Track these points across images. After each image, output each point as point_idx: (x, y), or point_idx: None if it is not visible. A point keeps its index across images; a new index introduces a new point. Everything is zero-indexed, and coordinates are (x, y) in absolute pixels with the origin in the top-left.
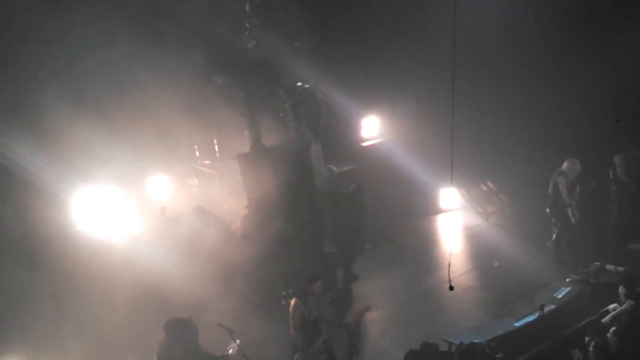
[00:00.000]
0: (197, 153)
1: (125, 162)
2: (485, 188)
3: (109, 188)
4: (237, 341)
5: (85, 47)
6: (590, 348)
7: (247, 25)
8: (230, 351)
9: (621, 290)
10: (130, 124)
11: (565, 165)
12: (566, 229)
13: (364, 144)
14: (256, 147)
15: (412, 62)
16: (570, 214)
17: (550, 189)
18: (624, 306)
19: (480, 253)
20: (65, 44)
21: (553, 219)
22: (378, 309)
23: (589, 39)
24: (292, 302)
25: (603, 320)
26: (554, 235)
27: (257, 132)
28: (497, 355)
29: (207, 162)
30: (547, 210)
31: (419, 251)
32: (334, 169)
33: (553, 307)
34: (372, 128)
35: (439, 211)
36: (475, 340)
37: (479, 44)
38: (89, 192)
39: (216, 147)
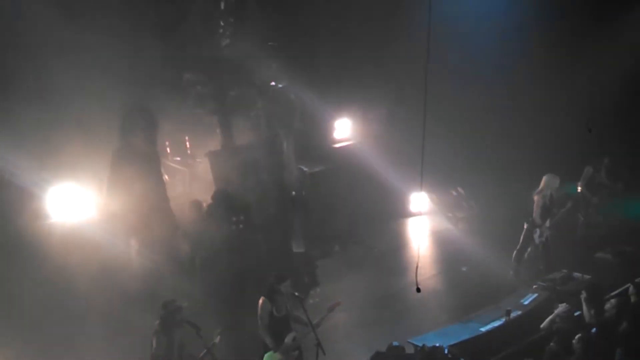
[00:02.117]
0: (167, 149)
1: (96, 156)
2: (455, 193)
3: (78, 183)
4: (203, 338)
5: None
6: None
7: (222, 24)
8: (217, 340)
9: (582, 295)
10: (99, 119)
11: (543, 180)
12: (526, 247)
13: (336, 145)
14: (227, 145)
15: (385, 65)
16: (536, 235)
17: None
18: (558, 309)
19: (449, 257)
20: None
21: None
22: (345, 310)
23: (565, 47)
24: (260, 300)
25: (542, 326)
26: (515, 251)
27: (228, 130)
28: None
29: (178, 158)
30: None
31: (388, 254)
32: (305, 169)
33: (519, 313)
34: (344, 130)
35: (408, 214)
36: (438, 344)
37: (452, 48)
38: (59, 188)
39: (187, 144)
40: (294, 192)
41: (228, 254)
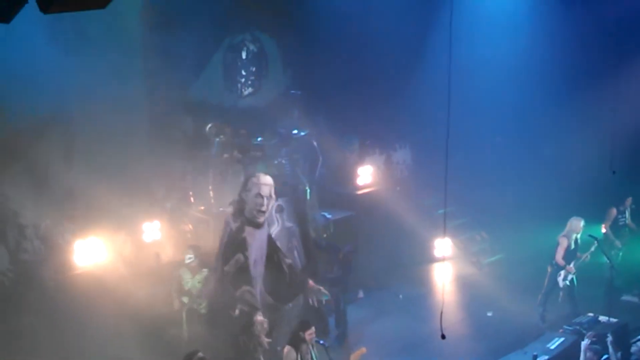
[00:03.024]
0: (191, 199)
1: (121, 208)
2: (479, 238)
3: (105, 234)
4: None
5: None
6: None
7: (244, 73)
8: None
9: (609, 338)
10: (123, 170)
11: (569, 224)
12: (551, 290)
13: (359, 192)
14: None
15: (408, 111)
16: (560, 278)
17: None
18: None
19: (474, 303)
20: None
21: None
22: (370, 357)
23: (588, 87)
24: (285, 349)
25: None
26: (540, 295)
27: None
28: None
29: (202, 207)
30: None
31: (412, 300)
32: (328, 216)
33: (546, 357)
34: (367, 176)
35: (433, 260)
36: None
37: (474, 89)
38: (86, 240)
39: (211, 193)
40: (325, 236)
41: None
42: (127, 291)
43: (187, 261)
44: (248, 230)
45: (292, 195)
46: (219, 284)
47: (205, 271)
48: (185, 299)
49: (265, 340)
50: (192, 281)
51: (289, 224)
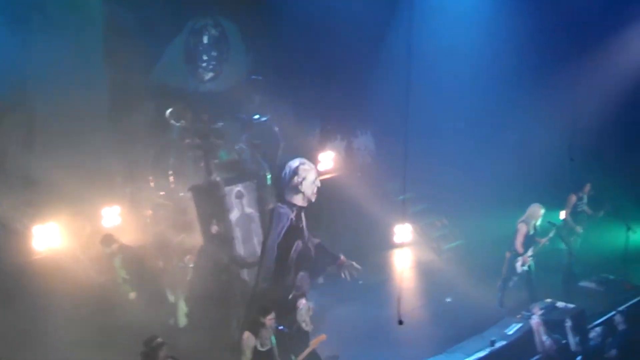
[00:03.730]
0: (152, 184)
1: (80, 192)
2: (439, 224)
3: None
4: None
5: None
6: None
7: (205, 57)
8: None
9: (567, 323)
10: (82, 155)
11: (528, 210)
12: (510, 276)
13: (320, 177)
14: (211, 179)
15: (370, 97)
16: (519, 264)
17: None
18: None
19: (433, 288)
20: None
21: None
22: (329, 344)
23: (548, 78)
24: (245, 335)
25: None
26: (499, 281)
27: (212, 164)
28: None
29: (162, 193)
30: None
31: (373, 286)
32: None
33: (504, 342)
34: (328, 162)
35: (393, 246)
36: None
37: (435, 77)
38: (44, 225)
39: (171, 178)
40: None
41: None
42: (86, 276)
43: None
44: (303, 217)
45: (252, 181)
46: (283, 274)
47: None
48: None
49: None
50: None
51: (249, 210)
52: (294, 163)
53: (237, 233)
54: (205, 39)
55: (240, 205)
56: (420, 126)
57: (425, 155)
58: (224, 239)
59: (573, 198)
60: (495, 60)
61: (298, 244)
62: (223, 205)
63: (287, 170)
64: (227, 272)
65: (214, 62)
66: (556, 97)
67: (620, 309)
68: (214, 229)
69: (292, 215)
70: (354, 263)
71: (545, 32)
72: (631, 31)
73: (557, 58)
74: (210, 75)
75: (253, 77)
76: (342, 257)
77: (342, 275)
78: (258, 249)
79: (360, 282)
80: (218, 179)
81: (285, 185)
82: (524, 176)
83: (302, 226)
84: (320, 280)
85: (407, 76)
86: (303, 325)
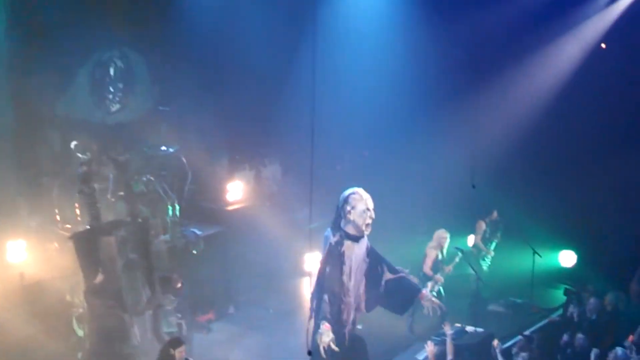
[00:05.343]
0: (57, 217)
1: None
2: None
3: None
4: None
5: None
6: None
7: (111, 89)
8: None
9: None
10: None
11: (435, 236)
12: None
13: (229, 207)
14: (93, 224)
15: (277, 127)
16: (428, 289)
17: None
18: None
19: None
20: None
21: None
22: None
23: (449, 106)
24: None
25: None
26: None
27: (96, 209)
28: None
29: (68, 226)
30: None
31: (284, 314)
32: (198, 232)
33: None
34: (237, 192)
35: (303, 274)
36: None
37: (340, 109)
38: None
39: (77, 210)
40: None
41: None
42: None
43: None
44: (347, 244)
45: (134, 225)
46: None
47: None
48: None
49: None
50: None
51: (132, 256)
52: (347, 192)
53: (123, 282)
54: (111, 71)
55: (125, 250)
56: (326, 155)
57: (331, 184)
58: (109, 289)
59: (482, 224)
60: (398, 87)
61: (333, 272)
62: (107, 252)
63: (341, 198)
64: (115, 317)
65: (120, 94)
66: (458, 122)
67: (527, 332)
68: (99, 278)
69: (332, 240)
70: (433, 298)
71: (446, 59)
72: (531, 59)
73: (457, 84)
74: (116, 106)
75: (160, 108)
76: (423, 291)
77: (426, 310)
78: (144, 297)
79: (271, 310)
80: (101, 223)
81: (338, 213)
82: (433, 203)
83: (344, 252)
84: (231, 310)
85: (312, 103)
86: None
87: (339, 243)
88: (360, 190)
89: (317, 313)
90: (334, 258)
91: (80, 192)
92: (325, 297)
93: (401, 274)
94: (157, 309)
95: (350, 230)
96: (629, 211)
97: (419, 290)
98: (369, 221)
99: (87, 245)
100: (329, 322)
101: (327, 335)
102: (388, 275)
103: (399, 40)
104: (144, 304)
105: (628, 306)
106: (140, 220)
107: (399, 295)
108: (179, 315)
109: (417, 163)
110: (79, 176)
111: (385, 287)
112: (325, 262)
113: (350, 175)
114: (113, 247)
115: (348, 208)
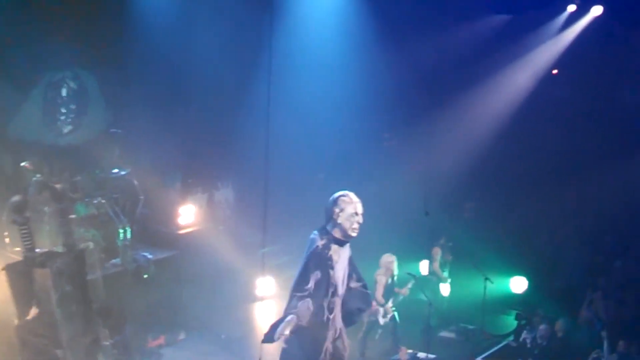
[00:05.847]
0: (7, 240)
1: None
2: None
3: None
4: None
5: None
6: None
7: (64, 111)
8: None
9: None
10: None
11: (381, 261)
12: (372, 327)
13: (181, 231)
14: (28, 255)
15: (230, 150)
16: (380, 315)
17: None
18: None
19: None
20: None
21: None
22: None
23: (403, 132)
24: None
25: None
26: (361, 332)
27: (31, 240)
28: None
29: (18, 249)
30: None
31: (235, 340)
32: (149, 256)
33: None
34: (189, 215)
35: (255, 299)
36: None
37: (295, 132)
38: None
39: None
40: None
41: None
42: None
43: None
44: (334, 248)
45: (69, 255)
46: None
47: None
48: None
49: None
50: None
51: (68, 288)
52: (337, 194)
53: (58, 315)
54: (63, 92)
55: (60, 283)
56: (280, 178)
57: (286, 208)
58: (43, 324)
59: (438, 250)
60: (353, 110)
61: (317, 274)
62: (42, 285)
63: (330, 200)
64: (49, 354)
65: (72, 115)
66: (411, 148)
67: (478, 359)
68: (33, 312)
69: (319, 243)
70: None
71: (400, 84)
72: (485, 84)
73: (412, 109)
74: (69, 128)
75: (112, 130)
76: (373, 303)
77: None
78: (81, 329)
79: (223, 336)
80: (35, 254)
81: (326, 215)
82: (386, 229)
83: (331, 256)
84: (182, 336)
85: (266, 125)
86: None
87: (326, 247)
88: (351, 194)
89: (288, 308)
90: (321, 261)
91: (13, 222)
92: (302, 295)
93: (363, 283)
94: (92, 344)
95: (337, 234)
96: (579, 237)
97: (370, 303)
98: (356, 226)
99: (20, 278)
100: (299, 318)
101: (290, 326)
102: (354, 283)
103: (354, 63)
104: (79, 338)
105: (576, 332)
106: (77, 250)
107: (353, 305)
108: (116, 352)
109: (372, 184)
110: (11, 205)
111: (347, 293)
112: (309, 264)
113: (305, 200)
114: (48, 280)
115: (336, 210)
